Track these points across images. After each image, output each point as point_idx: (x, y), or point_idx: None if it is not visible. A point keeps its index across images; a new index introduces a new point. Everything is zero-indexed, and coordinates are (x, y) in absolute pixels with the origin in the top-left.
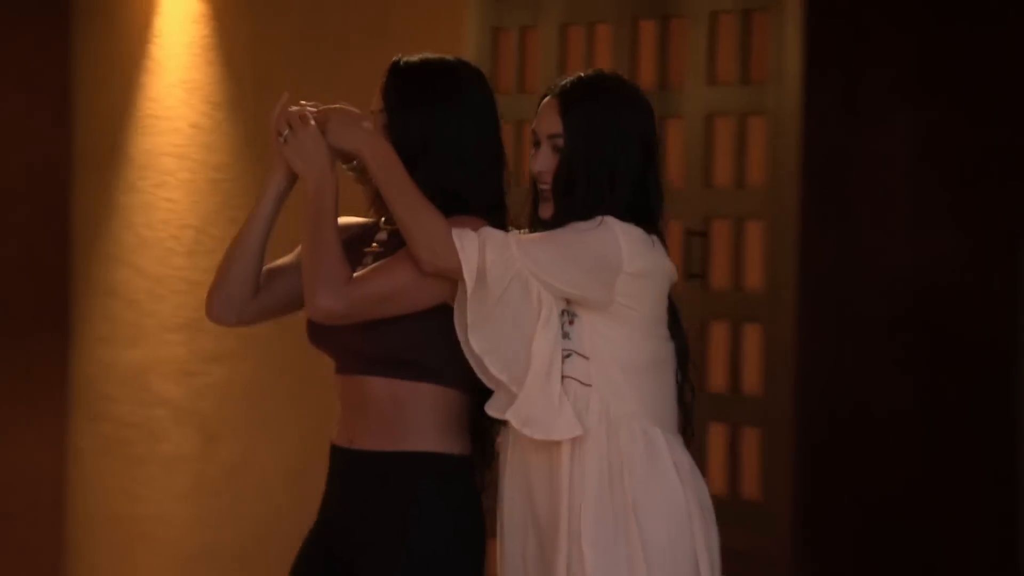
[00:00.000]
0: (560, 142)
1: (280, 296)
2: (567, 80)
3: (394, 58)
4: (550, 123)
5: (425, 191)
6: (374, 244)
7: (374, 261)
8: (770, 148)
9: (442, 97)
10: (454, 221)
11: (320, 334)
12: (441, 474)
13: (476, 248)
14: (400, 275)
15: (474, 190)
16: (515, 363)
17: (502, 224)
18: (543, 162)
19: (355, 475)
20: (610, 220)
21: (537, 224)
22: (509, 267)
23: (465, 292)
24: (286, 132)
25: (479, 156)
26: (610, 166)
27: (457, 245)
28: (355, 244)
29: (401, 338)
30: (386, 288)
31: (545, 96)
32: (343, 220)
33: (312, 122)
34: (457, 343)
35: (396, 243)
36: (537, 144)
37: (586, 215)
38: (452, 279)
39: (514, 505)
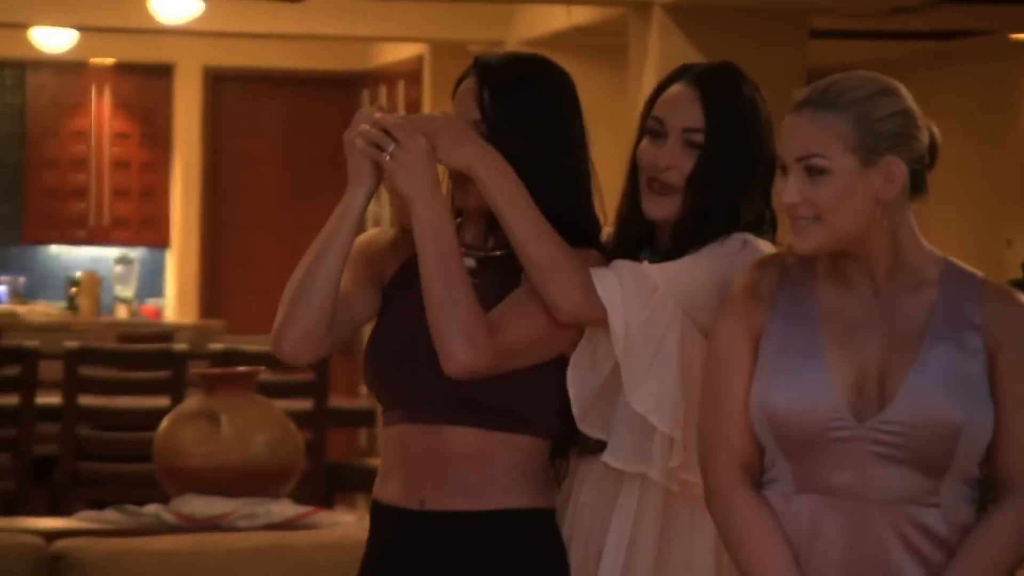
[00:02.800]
0: (699, 138)
1: (347, 327)
2: (699, 67)
3: (475, 57)
4: (688, 115)
5: None
6: None
7: None
8: None
9: (549, 104)
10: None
11: (394, 376)
12: (532, 532)
13: (618, 291)
14: (539, 320)
15: (583, 216)
16: (678, 409)
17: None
18: (672, 157)
19: (430, 541)
20: (753, 241)
21: (632, 223)
22: (662, 309)
23: (590, 343)
24: (392, 147)
25: (584, 174)
26: (751, 171)
27: (599, 290)
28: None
29: (510, 386)
30: (528, 337)
31: (669, 82)
32: (372, 236)
33: (422, 135)
34: (557, 389)
35: (491, 273)
36: (657, 134)
37: (723, 228)
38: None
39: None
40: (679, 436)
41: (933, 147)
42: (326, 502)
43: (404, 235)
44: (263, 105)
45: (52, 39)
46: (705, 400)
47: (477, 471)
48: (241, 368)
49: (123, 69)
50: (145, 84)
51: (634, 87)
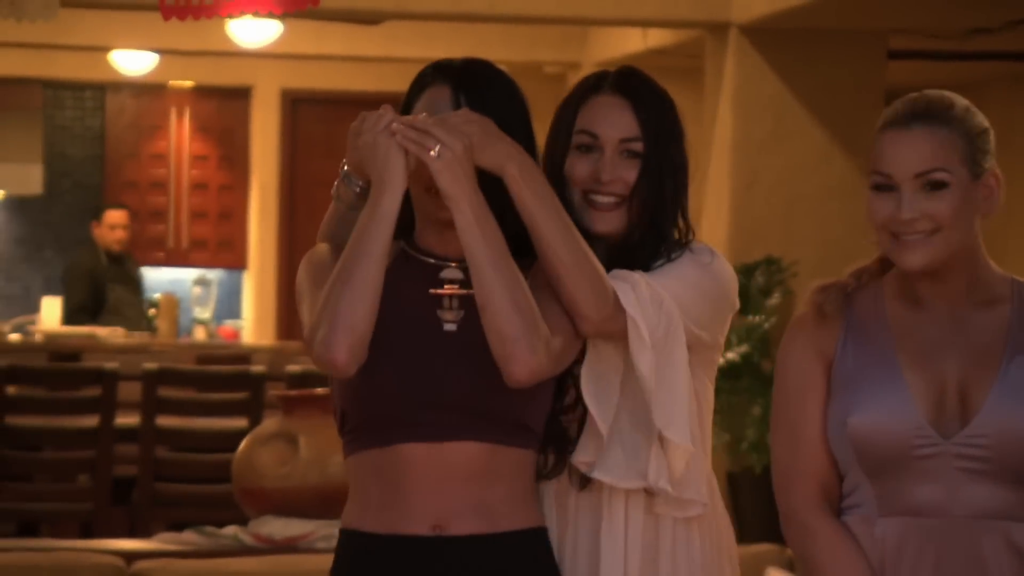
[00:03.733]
0: (637, 146)
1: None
2: (616, 73)
3: (436, 65)
4: (622, 125)
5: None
6: (447, 286)
7: (460, 307)
8: None
9: (518, 105)
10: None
11: (393, 390)
12: (541, 551)
13: (636, 302)
14: (571, 327)
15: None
16: (692, 422)
17: None
18: (614, 169)
19: (449, 568)
20: (715, 251)
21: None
22: (669, 321)
23: (598, 356)
24: (437, 147)
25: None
26: (686, 175)
27: (623, 301)
28: (408, 282)
29: (516, 397)
30: (567, 343)
31: (587, 91)
32: None
33: (464, 135)
34: (549, 400)
35: None
36: (589, 148)
37: (672, 237)
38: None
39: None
40: (695, 450)
41: None
42: None
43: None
44: (340, 128)
45: (132, 62)
46: (779, 426)
47: (490, 490)
48: (319, 390)
49: (202, 92)
50: (223, 107)
51: (710, 109)
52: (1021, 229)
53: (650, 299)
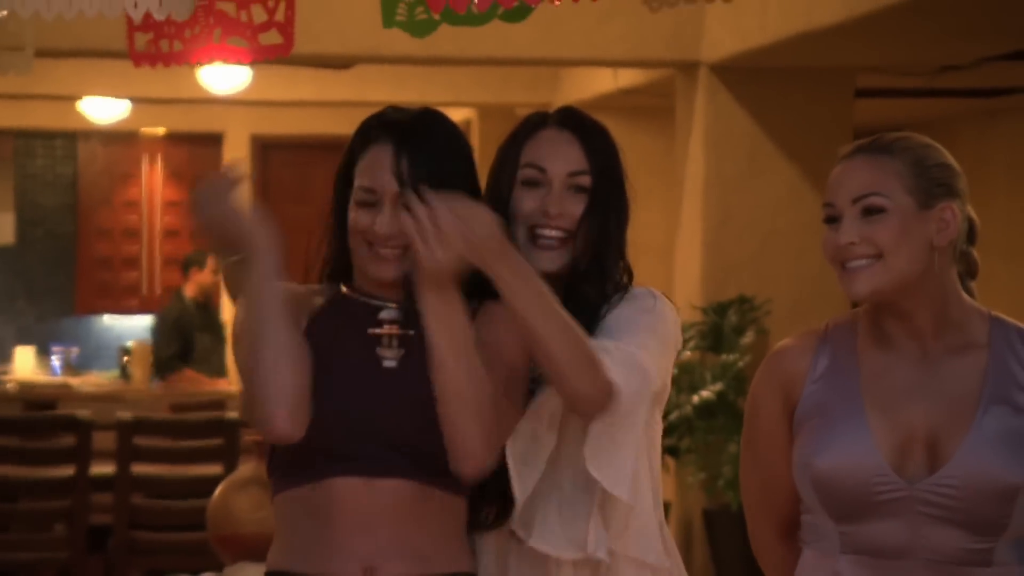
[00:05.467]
0: (584, 180)
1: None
2: (560, 110)
3: (383, 118)
4: (570, 159)
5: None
6: (386, 326)
7: (400, 346)
8: None
9: (457, 154)
10: None
11: (327, 427)
12: None
13: (621, 377)
14: (518, 412)
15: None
16: (636, 478)
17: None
18: (561, 203)
19: None
20: (657, 292)
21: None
22: (644, 379)
23: (535, 441)
24: (432, 245)
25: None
26: (626, 215)
27: (612, 376)
28: (347, 323)
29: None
30: (511, 428)
31: (533, 126)
32: (291, 288)
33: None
34: None
35: (418, 318)
36: (535, 183)
37: (619, 273)
38: None
39: None
40: (633, 505)
41: (972, 229)
42: None
43: (307, 291)
44: (311, 172)
45: (103, 110)
46: (747, 462)
47: (420, 531)
48: None
49: (173, 138)
50: (195, 153)
51: (682, 147)
52: (997, 262)
53: (623, 362)
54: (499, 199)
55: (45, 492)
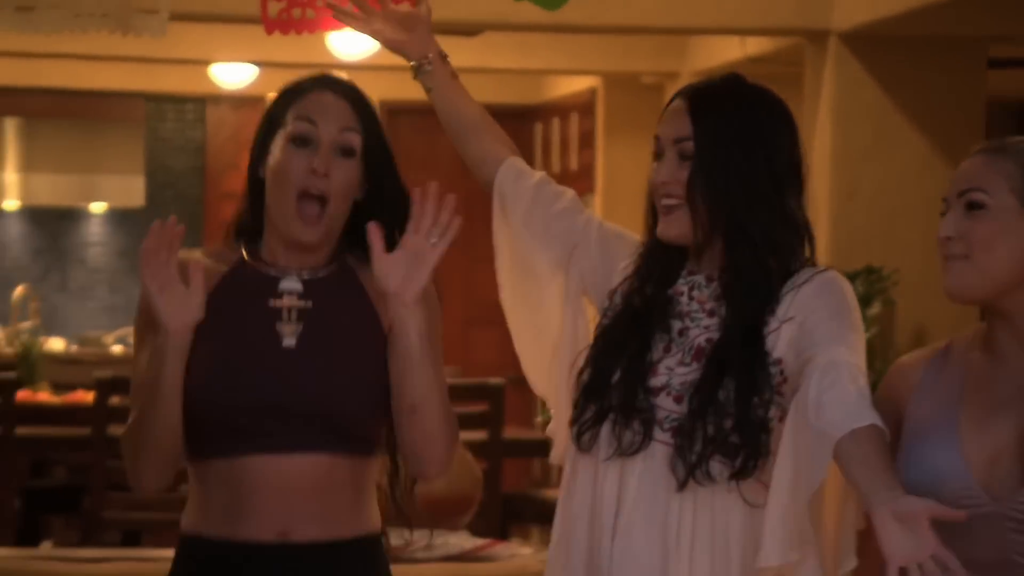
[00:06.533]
0: (688, 146)
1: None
2: (699, 82)
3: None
4: (676, 126)
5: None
6: (286, 297)
7: (299, 319)
8: None
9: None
10: None
11: (235, 403)
12: (382, 557)
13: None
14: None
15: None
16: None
17: None
18: (669, 171)
19: (291, 574)
20: (829, 269)
21: (658, 251)
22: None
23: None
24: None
25: None
26: (752, 181)
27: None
28: (246, 293)
29: (360, 412)
30: None
31: (673, 100)
32: (188, 257)
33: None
34: (387, 409)
35: (321, 291)
36: (657, 155)
37: (770, 254)
38: None
39: None
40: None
41: None
42: (501, 533)
43: (206, 260)
44: (438, 139)
45: (231, 75)
46: None
47: (331, 498)
48: None
49: None
50: None
51: (809, 118)
52: None
53: (866, 394)
54: None
55: None
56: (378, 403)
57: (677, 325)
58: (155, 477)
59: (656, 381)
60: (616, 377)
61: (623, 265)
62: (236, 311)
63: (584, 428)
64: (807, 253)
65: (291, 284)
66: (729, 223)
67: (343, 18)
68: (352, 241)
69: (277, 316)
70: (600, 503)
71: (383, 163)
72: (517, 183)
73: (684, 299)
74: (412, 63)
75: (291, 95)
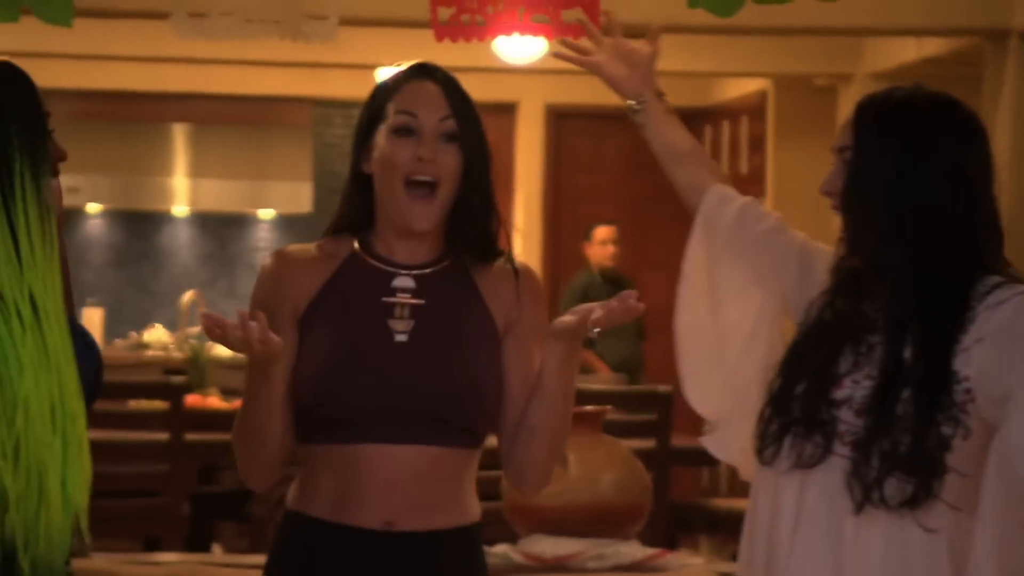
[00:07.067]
0: (848, 156)
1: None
2: (875, 92)
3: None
4: (843, 134)
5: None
6: (399, 295)
7: (411, 316)
8: None
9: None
10: None
11: (348, 395)
12: (472, 548)
13: None
14: None
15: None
16: None
17: None
18: (829, 180)
19: (391, 562)
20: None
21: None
22: None
23: None
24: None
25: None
26: (914, 194)
27: None
28: (359, 287)
29: (475, 408)
30: None
31: None
32: (272, 283)
33: None
34: (498, 402)
35: (432, 291)
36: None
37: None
38: None
39: None
40: None
41: None
42: (670, 543)
43: (319, 253)
44: (605, 142)
45: None
46: None
47: (434, 489)
48: (588, 407)
49: None
50: (488, 123)
51: (988, 120)
52: None
53: None
54: None
55: None
56: (486, 400)
57: (869, 339)
58: (263, 478)
59: (840, 394)
60: (800, 389)
61: (823, 280)
62: (349, 304)
63: (767, 441)
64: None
65: (404, 282)
66: (883, 238)
67: (565, 56)
68: (456, 238)
69: (390, 312)
70: (778, 518)
71: (478, 149)
72: (722, 206)
73: (877, 313)
74: (628, 101)
75: (389, 89)
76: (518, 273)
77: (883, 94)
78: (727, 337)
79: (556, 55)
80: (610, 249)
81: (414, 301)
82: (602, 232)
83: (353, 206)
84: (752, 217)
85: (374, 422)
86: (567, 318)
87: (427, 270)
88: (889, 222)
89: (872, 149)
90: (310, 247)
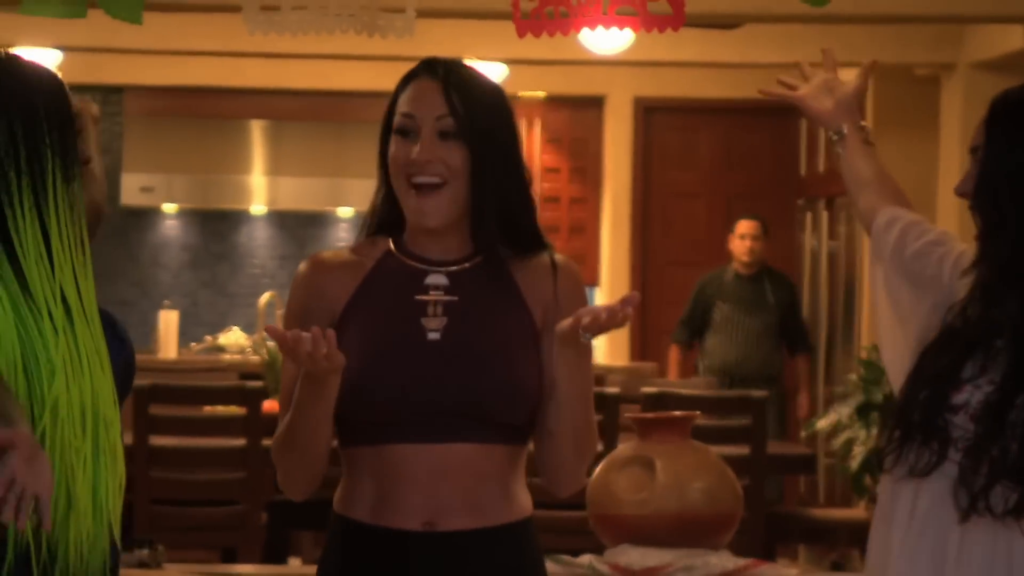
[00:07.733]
0: (978, 155)
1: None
2: (1012, 87)
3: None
4: (977, 133)
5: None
6: (432, 292)
7: (444, 313)
8: None
9: (508, 114)
10: None
11: (387, 395)
12: (525, 541)
13: None
14: None
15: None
16: None
17: None
18: (964, 180)
19: (438, 562)
20: None
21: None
22: None
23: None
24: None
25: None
26: None
27: None
28: (392, 285)
29: (516, 403)
30: None
31: None
32: (308, 289)
33: None
34: (538, 397)
35: (466, 288)
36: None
37: None
38: None
39: None
40: None
41: None
42: (766, 553)
43: (353, 256)
44: (696, 136)
45: (484, 73)
46: None
47: (479, 487)
48: (676, 412)
49: (553, 102)
50: (575, 117)
51: None
52: None
53: None
54: None
55: None
56: (523, 394)
57: (997, 344)
58: (305, 490)
59: (958, 399)
60: (923, 395)
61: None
62: (384, 304)
63: (889, 447)
64: None
65: (437, 279)
66: (1015, 239)
67: (774, 94)
68: (479, 234)
69: (423, 310)
70: (892, 525)
71: (488, 143)
72: (889, 227)
73: (1007, 318)
74: (829, 133)
75: (399, 87)
76: (556, 268)
77: (1016, 91)
78: (904, 360)
79: (762, 92)
80: (748, 244)
81: (446, 298)
82: (741, 226)
83: (386, 207)
84: (913, 233)
85: (407, 421)
86: (564, 322)
87: (461, 266)
88: (1021, 223)
89: (1001, 149)
90: (344, 251)
